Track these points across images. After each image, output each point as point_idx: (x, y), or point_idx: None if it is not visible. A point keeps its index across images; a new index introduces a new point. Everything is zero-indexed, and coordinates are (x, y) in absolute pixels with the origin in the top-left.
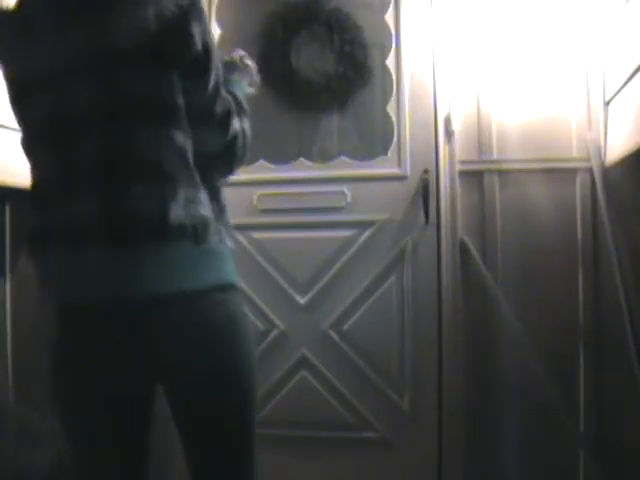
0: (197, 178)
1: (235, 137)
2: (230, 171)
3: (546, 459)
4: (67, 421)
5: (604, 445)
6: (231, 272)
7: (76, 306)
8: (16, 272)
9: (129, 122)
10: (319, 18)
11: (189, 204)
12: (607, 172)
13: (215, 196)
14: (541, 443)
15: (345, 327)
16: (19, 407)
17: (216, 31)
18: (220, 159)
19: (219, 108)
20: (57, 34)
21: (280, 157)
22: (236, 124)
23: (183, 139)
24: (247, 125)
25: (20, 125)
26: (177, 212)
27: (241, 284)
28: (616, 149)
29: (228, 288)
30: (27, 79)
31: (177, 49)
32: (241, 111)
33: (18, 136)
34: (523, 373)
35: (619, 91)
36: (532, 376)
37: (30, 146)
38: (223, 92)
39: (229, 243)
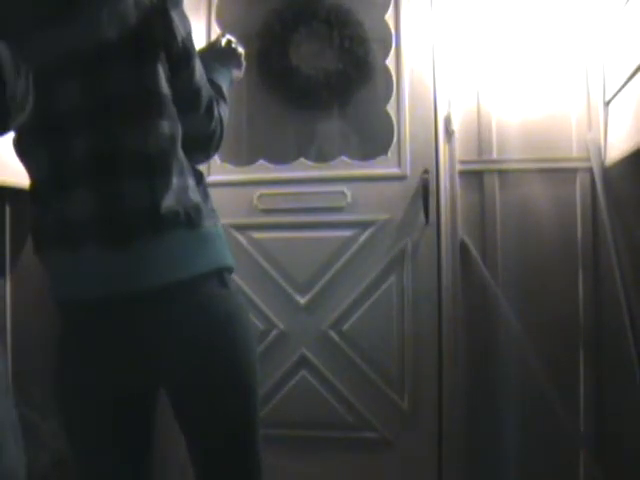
0: (185, 165)
1: (216, 125)
2: (208, 158)
3: (546, 459)
4: (69, 420)
5: (604, 445)
6: (228, 254)
7: (77, 305)
8: (16, 272)
9: (116, 115)
10: (318, 14)
11: (180, 191)
12: (607, 172)
13: (199, 181)
14: (541, 443)
15: (345, 327)
16: (19, 407)
17: (216, 31)
18: (200, 146)
19: (204, 97)
20: (38, 31)
21: (280, 157)
22: (216, 112)
23: (171, 128)
24: (225, 112)
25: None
26: (169, 201)
27: (239, 281)
28: (616, 149)
29: (227, 271)
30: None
31: (159, 38)
32: (220, 98)
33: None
34: (523, 373)
35: (619, 91)
36: (532, 376)
37: (22, 147)
38: (206, 80)
39: (219, 226)
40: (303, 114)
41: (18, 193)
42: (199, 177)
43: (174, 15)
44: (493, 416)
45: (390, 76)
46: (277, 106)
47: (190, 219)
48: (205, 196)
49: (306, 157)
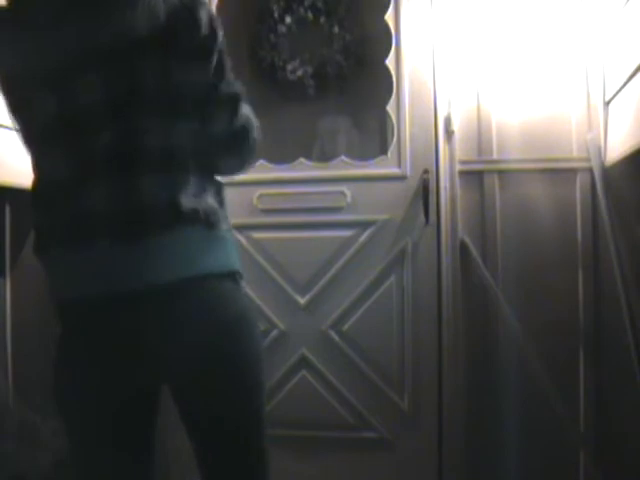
0: (205, 168)
1: (242, 123)
2: (242, 162)
3: (546, 459)
4: (77, 420)
5: (604, 445)
6: (239, 261)
7: (86, 302)
8: (16, 272)
9: (139, 112)
10: (304, 1)
11: (199, 192)
12: (607, 172)
13: (218, 189)
14: (541, 443)
15: (345, 327)
16: (19, 407)
17: None
18: (230, 148)
19: (227, 92)
20: (65, 26)
21: (280, 157)
22: (244, 110)
23: (193, 127)
24: (249, 111)
25: (24, 122)
26: (189, 199)
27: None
28: (616, 149)
29: (238, 274)
30: (33, 74)
31: (186, 35)
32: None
33: (18, 135)
34: (523, 373)
35: (619, 91)
36: (532, 376)
37: (36, 142)
38: (230, 77)
39: (232, 234)
40: (302, 113)
41: (18, 193)
42: (217, 184)
43: (202, 12)
44: (493, 416)
45: (390, 76)
46: (275, 104)
47: (208, 219)
48: (221, 203)
49: (306, 157)
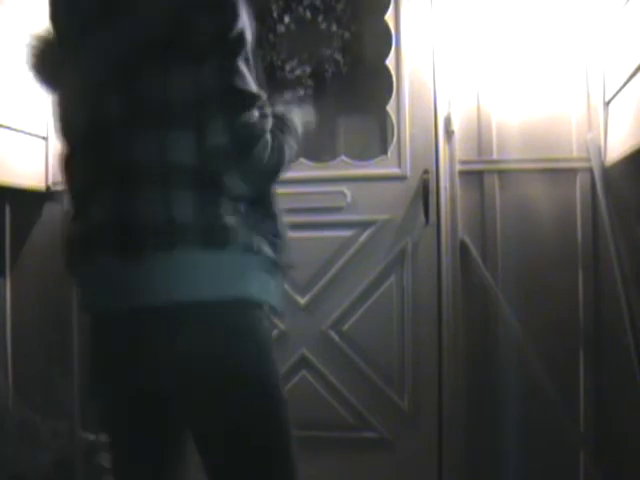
0: (219, 180)
1: (250, 134)
2: (255, 176)
3: (546, 459)
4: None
5: (604, 445)
6: (250, 286)
7: (96, 314)
8: (16, 272)
9: (139, 125)
10: (303, 1)
11: (205, 208)
12: (607, 172)
13: (259, 203)
14: (541, 443)
15: (345, 327)
16: (19, 407)
17: None
18: (232, 162)
19: (231, 98)
20: (87, 40)
21: None
22: (256, 120)
23: (193, 138)
24: (268, 123)
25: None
26: (184, 216)
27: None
28: (616, 149)
29: (241, 303)
30: (74, 93)
31: (198, 33)
32: (282, 126)
33: (20, 137)
34: (523, 373)
35: (619, 91)
36: (532, 376)
37: (69, 159)
38: (244, 83)
39: (267, 254)
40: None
41: (18, 193)
42: (260, 200)
43: (222, 10)
44: (493, 416)
45: (390, 76)
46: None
47: (207, 239)
48: (260, 221)
49: (306, 157)
